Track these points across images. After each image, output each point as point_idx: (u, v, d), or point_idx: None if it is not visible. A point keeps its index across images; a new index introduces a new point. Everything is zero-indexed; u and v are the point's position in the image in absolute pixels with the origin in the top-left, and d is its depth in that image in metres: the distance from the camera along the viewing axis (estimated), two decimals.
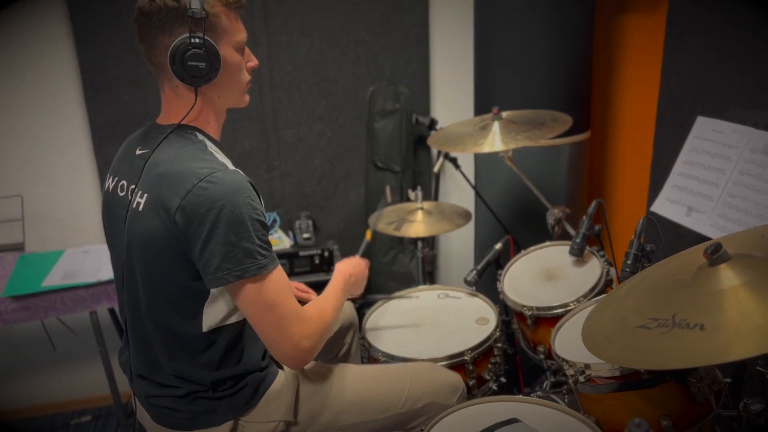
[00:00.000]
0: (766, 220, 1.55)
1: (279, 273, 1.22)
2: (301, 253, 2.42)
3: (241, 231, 1.14)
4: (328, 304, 1.38)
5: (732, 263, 1.03)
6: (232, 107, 1.35)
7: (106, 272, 2.16)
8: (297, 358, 1.25)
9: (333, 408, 1.35)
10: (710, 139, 1.80)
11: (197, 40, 1.17)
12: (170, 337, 1.25)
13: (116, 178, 1.32)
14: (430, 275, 2.96)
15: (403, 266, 2.76)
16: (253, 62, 1.33)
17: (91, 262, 2.27)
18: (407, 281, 2.75)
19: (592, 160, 2.78)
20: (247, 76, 1.31)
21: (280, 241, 2.51)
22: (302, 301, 1.73)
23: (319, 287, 1.93)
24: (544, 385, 1.96)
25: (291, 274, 2.44)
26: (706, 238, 1.72)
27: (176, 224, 1.15)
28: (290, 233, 2.61)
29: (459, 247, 3.11)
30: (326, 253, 2.43)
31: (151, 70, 1.27)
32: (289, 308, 1.22)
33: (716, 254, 1.04)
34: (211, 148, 1.26)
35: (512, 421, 1.10)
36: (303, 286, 1.73)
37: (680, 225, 1.81)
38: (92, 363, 2.69)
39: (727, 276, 1.02)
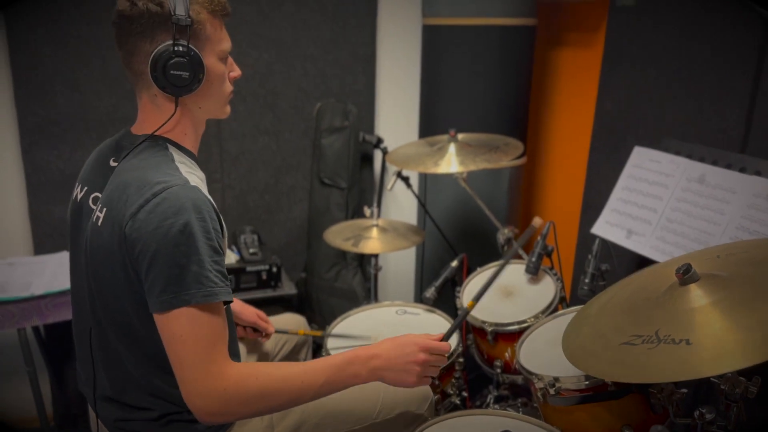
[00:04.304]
0: (703, 244, 1.70)
1: (220, 310, 1.12)
2: (248, 269, 2.36)
3: (190, 253, 1.06)
4: (286, 378, 1.14)
5: (701, 283, 1.14)
6: (213, 118, 1.31)
7: (39, 286, 2.01)
8: (195, 409, 1.09)
9: (311, 421, 1.34)
10: (648, 168, 1.95)
11: (181, 48, 1.13)
12: (140, 354, 1.19)
13: (86, 188, 1.25)
14: (368, 292, 2.97)
15: (345, 282, 2.76)
16: (237, 72, 1.29)
17: (19, 275, 2.09)
18: (350, 298, 2.75)
19: (526, 184, 2.93)
20: (229, 87, 1.28)
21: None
22: (260, 331, 1.67)
23: (265, 303, 1.88)
24: (488, 399, 2.04)
25: (237, 290, 2.37)
26: (643, 259, 1.87)
27: (125, 241, 1.09)
28: (234, 248, 2.54)
29: (395, 263, 3.15)
30: (274, 269, 2.39)
31: (128, 77, 1.22)
32: (210, 353, 1.08)
33: (687, 274, 1.14)
34: (179, 161, 1.20)
35: None
36: (263, 315, 1.68)
37: (616, 246, 1.95)
38: (11, 384, 2.46)
39: (698, 295, 1.12)
